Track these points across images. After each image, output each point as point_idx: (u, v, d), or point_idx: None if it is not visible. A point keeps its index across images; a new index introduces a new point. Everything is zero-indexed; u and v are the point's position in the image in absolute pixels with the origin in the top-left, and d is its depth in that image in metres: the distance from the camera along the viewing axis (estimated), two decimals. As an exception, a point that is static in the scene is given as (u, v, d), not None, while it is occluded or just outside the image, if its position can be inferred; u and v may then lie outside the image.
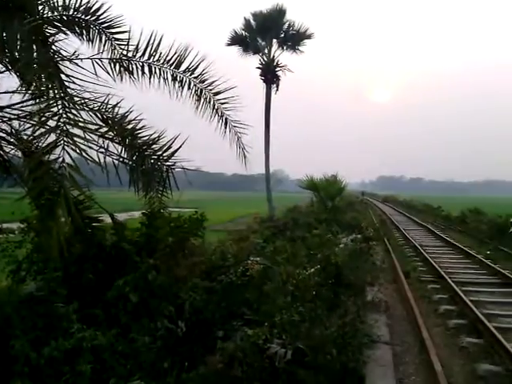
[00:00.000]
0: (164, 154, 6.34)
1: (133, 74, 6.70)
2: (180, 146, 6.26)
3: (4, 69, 5.67)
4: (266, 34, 28.74)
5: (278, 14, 28.22)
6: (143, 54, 6.59)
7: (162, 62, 6.69)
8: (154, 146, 6.37)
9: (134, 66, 6.68)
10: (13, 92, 5.62)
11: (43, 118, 5.11)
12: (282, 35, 28.77)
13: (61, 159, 4.51)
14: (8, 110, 5.66)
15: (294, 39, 28.64)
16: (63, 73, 5.93)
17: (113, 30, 6.53)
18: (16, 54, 5.35)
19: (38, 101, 5.50)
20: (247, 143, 7.89)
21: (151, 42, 6.48)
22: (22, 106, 5.74)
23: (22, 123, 5.78)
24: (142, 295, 6.72)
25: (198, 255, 8.82)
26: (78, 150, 4.60)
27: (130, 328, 6.32)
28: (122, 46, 6.58)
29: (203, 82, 6.99)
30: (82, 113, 5.82)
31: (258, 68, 29.09)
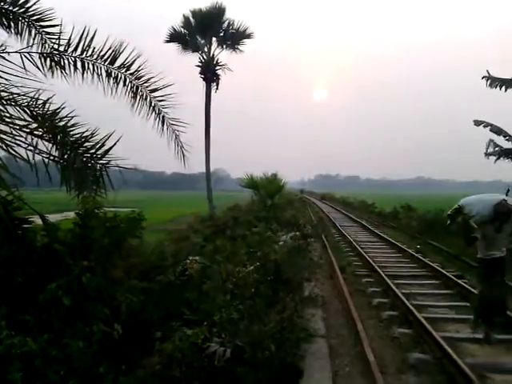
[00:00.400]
0: (98, 152, 6.13)
1: (65, 69, 6.44)
2: (114, 144, 6.07)
3: None
4: (206, 33, 28.60)
5: (218, 12, 28.13)
6: (75, 48, 6.36)
7: (95, 57, 6.49)
8: (86, 143, 6.13)
9: (66, 61, 6.43)
10: None
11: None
12: (222, 34, 28.74)
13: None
14: None
15: (234, 38, 28.68)
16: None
17: (43, 24, 6.27)
18: None
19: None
20: (186, 142, 7.82)
21: (84, 36, 6.26)
22: None
23: None
24: (76, 298, 6.47)
25: (135, 256, 8.64)
26: (4, 147, 4.37)
27: (63, 333, 6.07)
28: (53, 40, 6.33)
29: (139, 78, 6.83)
30: (9, 108, 5.56)
31: (198, 66, 28.88)
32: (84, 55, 6.46)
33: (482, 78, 16.41)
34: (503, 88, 16.08)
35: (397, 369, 6.27)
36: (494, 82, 16.19)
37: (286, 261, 10.27)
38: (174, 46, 29.06)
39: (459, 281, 10.44)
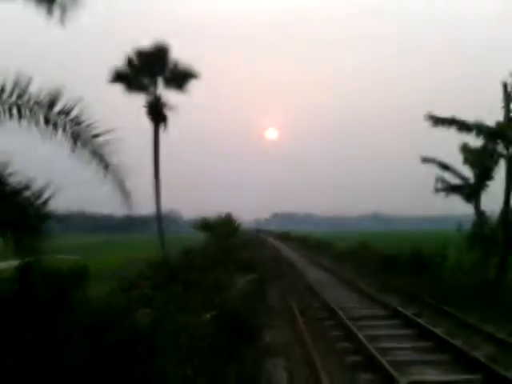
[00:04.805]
0: (35, 203, 5.71)
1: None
2: (52, 195, 5.68)
3: None
4: (150, 73, 28.41)
5: (162, 52, 28.06)
6: (11, 94, 6.07)
7: (32, 103, 6.20)
8: (23, 193, 5.71)
9: (1, 108, 6.11)
10: None
11: None
12: (167, 74, 28.69)
13: None
14: None
15: (179, 78, 28.67)
16: None
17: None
18: None
19: None
20: (133, 187, 7.47)
21: (19, 82, 6.01)
22: None
23: None
24: (17, 360, 5.88)
25: (81, 311, 8.06)
26: None
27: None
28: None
29: (79, 124, 6.55)
30: None
31: (145, 107, 28.59)
32: (20, 101, 6.16)
33: (425, 118, 17.06)
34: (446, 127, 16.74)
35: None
36: (437, 121, 16.87)
37: (244, 307, 9.87)
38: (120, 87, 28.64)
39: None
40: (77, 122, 6.54)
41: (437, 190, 17.67)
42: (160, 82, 28.70)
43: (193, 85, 29.01)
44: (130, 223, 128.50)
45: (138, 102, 29.00)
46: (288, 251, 39.66)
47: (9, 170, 5.72)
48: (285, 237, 69.63)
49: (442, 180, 17.56)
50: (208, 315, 9.41)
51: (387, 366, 7.20)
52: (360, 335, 9.20)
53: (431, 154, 17.89)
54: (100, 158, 6.92)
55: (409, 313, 11.29)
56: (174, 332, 8.09)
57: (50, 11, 6.41)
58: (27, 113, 6.25)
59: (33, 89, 6.14)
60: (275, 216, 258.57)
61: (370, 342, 8.75)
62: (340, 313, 11.47)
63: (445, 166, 17.37)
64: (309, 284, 17.74)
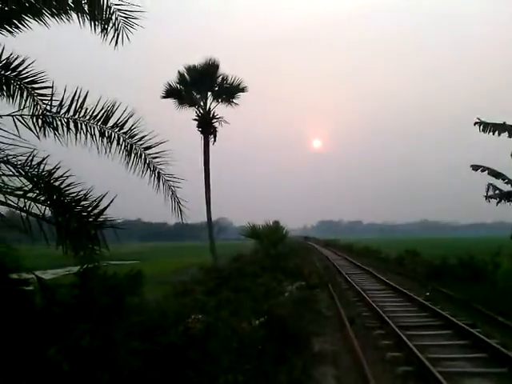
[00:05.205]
0: (93, 212, 6.02)
1: (57, 130, 6.44)
2: (109, 204, 5.97)
3: None
4: (201, 88, 29.39)
5: (212, 68, 29.01)
6: (68, 109, 6.37)
7: (88, 117, 6.50)
8: (82, 203, 6.04)
9: (59, 122, 6.43)
10: None
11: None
12: (216, 88, 29.52)
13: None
14: None
15: (228, 92, 29.44)
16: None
17: (35, 86, 6.36)
18: None
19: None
20: (185, 195, 7.74)
21: (76, 97, 6.29)
22: None
23: None
24: (76, 363, 6.17)
25: (136, 315, 8.35)
26: None
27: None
28: (45, 102, 6.37)
29: (133, 137, 6.82)
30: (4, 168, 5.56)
31: (195, 120, 29.51)
32: (77, 116, 6.47)
33: (475, 124, 16.58)
34: (496, 133, 16.21)
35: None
36: (487, 126, 16.35)
37: (293, 314, 9.89)
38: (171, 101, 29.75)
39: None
40: (130, 134, 6.80)
41: (488, 197, 17.07)
42: (209, 96, 29.64)
43: (244, 97, 29.79)
44: (182, 231, 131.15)
45: (188, 115, 30.02)
46: (336, 259, 39.12)
47: (68, 181, 6.07)
48: (332, 244, 68.78)
49: (494, 187, 16.96)
50: (257, 321, 9.49)
51: (439, 377, 7.01)
52: (411, 344, 8.99)
53: (485, 160, 17.37)
54: (153, 168, 7.22)
55: (462, 322, 10.90)
56: (225, 337, 8.22)
57: (104, 31, 6.76)
58: (83, 127, 6.55)
59: (88, 103, 6.41)
60: (322, 223, 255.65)
61: (422, 351, 8.54)
62: (390, 322, 11.24)
63: (496, 173, 16.79)
64: (358, 291, 17.47)
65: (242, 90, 29.63)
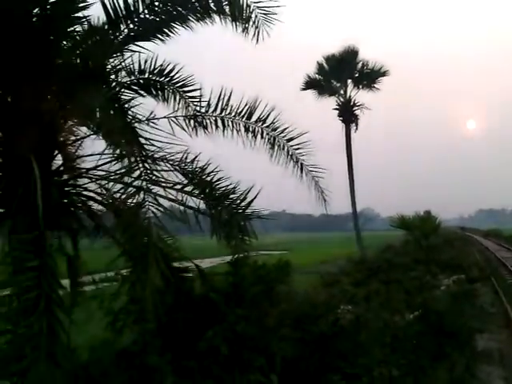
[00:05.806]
0: (241, 204, 6.36)
1: (207, 129, 6.94)
2: (255, 196, 6.32)
3: (91, 133, 6.09)
4: (340, 76, 29.00)
5: (351, 55, 28.50)
6: (215, 108, 6.82)
7: (233, 114, 6.88)
8: (231, 196, 6.42)
9: (208, 121, 6.92)
10: (99, 154, 5.99)
11: (129, 180, 5.47)
12: (357, 75, 28.83)
13: (147, 217, 4.87)
14: (95, 171, 6.02)
15: (369, 78, 28.57)
16: (142, 136, 6.28)
17: (186, 89, 6.87)
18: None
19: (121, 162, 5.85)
20: (327, 187, 7.70)
21: (222, 96, 6.69)
22: (109, 168, 6.09)
23: (111, 184, 6.10)
24: (233, 347, 6.55)
25: (285, 304, 8.54)
26: (161, 209, 4.82)
27: (222, 380, 6.16)
28: (195, 103, 6.90)
29: (275, 130, 7.03)
30: (163, 167, 6.14)
31: (335, 109, 29.24)
32: (223, 114, 6.89)
33: None
34: None
35: None
36: None
37: (451, 309, 9.18)
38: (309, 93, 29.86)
39: None
40: (273, 128, 7.02)
41: None
42: (349, 84, 29.24)
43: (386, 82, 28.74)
44: (327, 222, 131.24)
45: (327, 105, 29.94)
46: (498, 250, 35.29)
47: (217, 176, 6.50)
48: (492, 234, 62.17)
49: None
50: (411, 315, 9.04)
51: None
52: None
53: None
54: (295, 160, 7.34)
55: None
56: (377, 330, 7.98)
57: (245, 29, 7.03)
58: (230, 123, 6.96)
59: (232, 101, 6.79)
60: (480, 212, 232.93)
61: None
62: None
63: None
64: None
65: (384, 73, 28.59)
